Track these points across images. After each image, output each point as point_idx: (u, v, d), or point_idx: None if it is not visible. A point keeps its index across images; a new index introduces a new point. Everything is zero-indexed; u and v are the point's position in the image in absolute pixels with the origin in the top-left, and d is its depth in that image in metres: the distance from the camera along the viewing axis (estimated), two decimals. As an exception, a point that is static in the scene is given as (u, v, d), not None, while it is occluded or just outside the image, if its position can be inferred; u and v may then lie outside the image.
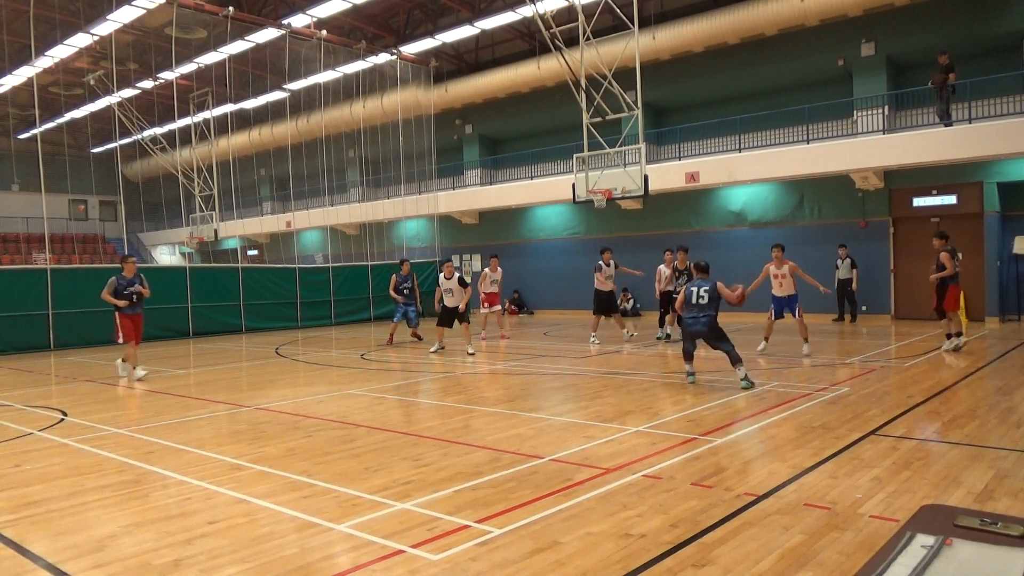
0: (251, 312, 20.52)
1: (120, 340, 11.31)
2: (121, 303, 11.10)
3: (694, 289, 9.22)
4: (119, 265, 11.79)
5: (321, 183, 27.17)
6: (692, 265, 10.09)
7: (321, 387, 10.09)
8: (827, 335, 15.04)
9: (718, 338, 9.12)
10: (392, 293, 16.02)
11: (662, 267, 14.69)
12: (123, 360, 11.59)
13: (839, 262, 17.78)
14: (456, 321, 13.73)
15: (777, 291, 12.20)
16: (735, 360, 8.94)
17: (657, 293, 14.87)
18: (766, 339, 12.54)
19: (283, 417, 7.95)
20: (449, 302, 13.75)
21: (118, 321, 11.25)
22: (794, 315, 12.02)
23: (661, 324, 15.01)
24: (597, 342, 14.35)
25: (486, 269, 16.86)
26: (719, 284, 9.19)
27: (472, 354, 13.06)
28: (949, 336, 11.75)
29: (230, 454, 6.26)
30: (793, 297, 12.11)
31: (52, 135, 32.82)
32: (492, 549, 3.93)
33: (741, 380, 8.82)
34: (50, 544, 4.22)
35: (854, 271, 17.61)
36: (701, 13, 19.77)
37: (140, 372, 11.32)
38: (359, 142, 27.11)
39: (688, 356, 9.35)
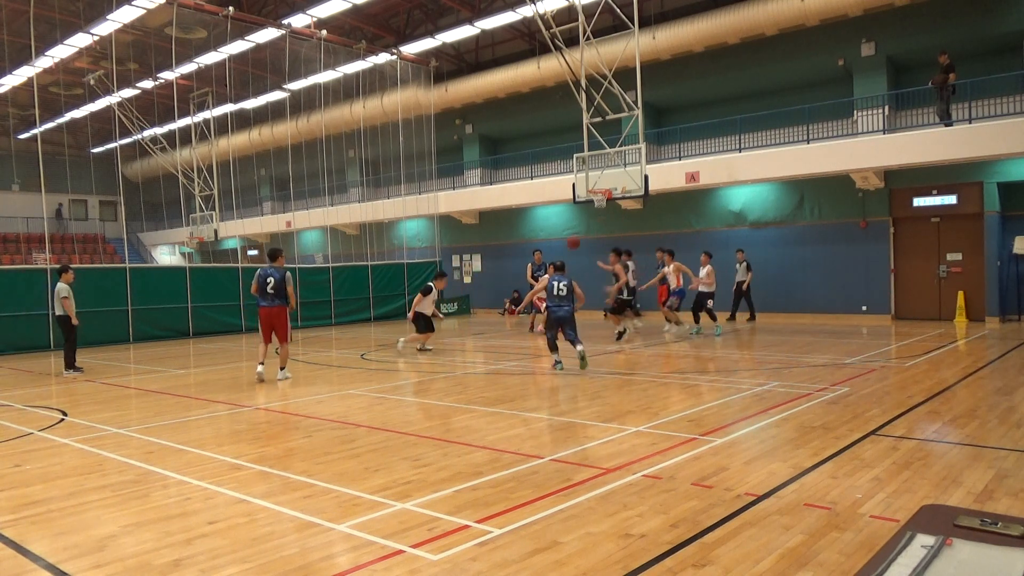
0: (251, 312, 20.47)
1: (288, 341, 10.55)
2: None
3: (555, 283, 10.89)
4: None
5: (321, 183, 27.17)
6: (550, 265, 11.66)
7: (321, 387, 10.09)
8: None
9: (573, 326, 10.87)
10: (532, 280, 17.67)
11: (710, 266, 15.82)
12: (283, 367, 10.68)
13: (737, 266, 18.11)
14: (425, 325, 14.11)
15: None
16: (577, 341, 10.69)
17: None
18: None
19: (283, 417, 7.96)
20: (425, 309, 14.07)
21: (287, 320, 10.51)
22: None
23: (696, 320, 15.90)
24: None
25: (545, 275, 17.78)
26: (574, 282, 10.97)
27: (429, 349, 14.01)
28: None
29: (230, 454, 6.26)
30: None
31: (52, 135, 32.84)
32: (492, 549, 3.93)
33: (581, 359, 10.54)
34: (50, 544, 4.22)
35: (749, 274, 17.87)
36: (701, 13, 19.77)
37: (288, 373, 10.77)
38: (359, 142, 27.09)
39: (553, 346, 11.00)
